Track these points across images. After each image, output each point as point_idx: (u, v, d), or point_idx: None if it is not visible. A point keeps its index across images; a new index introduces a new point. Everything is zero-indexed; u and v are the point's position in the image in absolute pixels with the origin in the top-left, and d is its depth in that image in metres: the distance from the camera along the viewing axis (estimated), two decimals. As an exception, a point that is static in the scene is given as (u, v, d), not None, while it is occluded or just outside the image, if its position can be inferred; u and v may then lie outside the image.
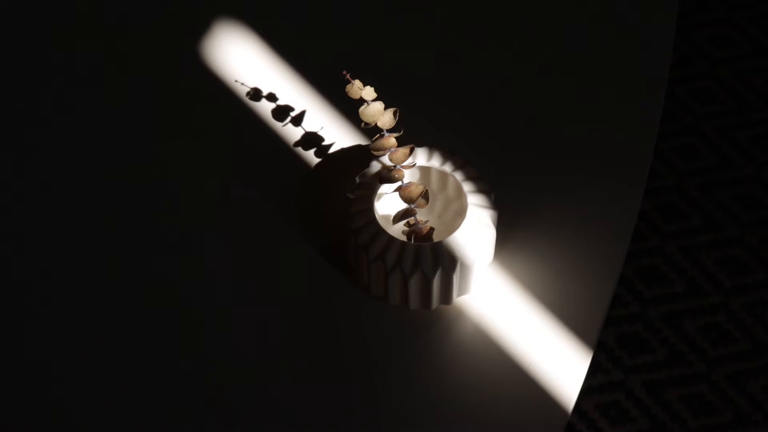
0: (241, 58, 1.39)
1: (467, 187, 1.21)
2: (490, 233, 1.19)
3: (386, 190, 1.22)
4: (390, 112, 1.21)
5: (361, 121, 1.21)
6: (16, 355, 1.19)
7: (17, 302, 1.22)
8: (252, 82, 1.37)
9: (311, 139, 1.33)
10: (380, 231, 1.18)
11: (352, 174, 1.24)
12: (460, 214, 1.23)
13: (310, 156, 1.31)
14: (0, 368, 1.18)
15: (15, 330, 1.21)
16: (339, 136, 1.32)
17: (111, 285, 1.23)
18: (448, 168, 1.22)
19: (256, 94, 1.36)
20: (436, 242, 1.18)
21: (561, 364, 1.18)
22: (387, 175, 1.19)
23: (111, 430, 1.15)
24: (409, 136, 1.23)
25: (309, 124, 1.34)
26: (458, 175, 1.21)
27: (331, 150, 1.32)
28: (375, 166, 1.22)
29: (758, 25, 2.14)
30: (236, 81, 1.37)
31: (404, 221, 1.21)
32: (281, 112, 1.35)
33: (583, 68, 1.38)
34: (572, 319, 1.20)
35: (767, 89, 2.07)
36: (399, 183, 1.20)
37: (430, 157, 1.22)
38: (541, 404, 1.16)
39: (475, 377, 1.18)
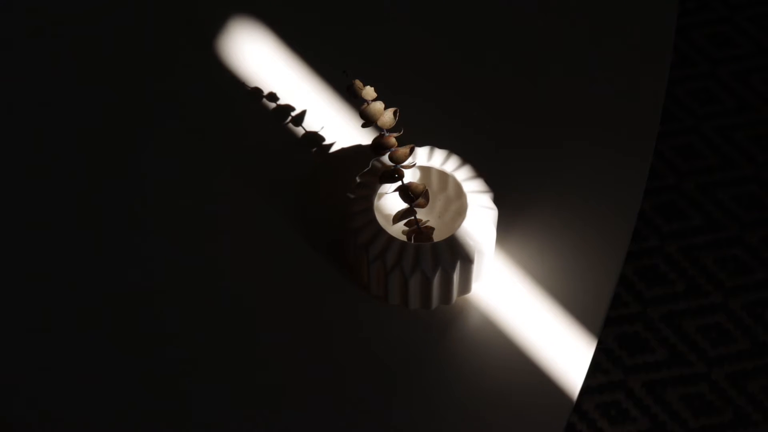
0: (242, 58, 1.39)
1: (467, 187, 1.21)
2: (489, 233, 1.19)
3: (386, 190, 1.22)
4: (390, 111, 1.21)
5: (361, 121, 1.21)
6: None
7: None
8: (252, 82, 1.37)
9: (311, 139, 1.33)
10: (380, 231, 1.18)
11: (352, 174, 1.24)
12: (460, 214, 1.23)
13: (310, 156, 1.31)
14: None
15: None
16: (339, 136, 1.32)
17: (107, 285, 1.23)
18: (448, 168, 1.22)
19: (256, 93, 1.36)
20: (436, 242, 1.18)
21: (563, 362, 1.18)
22: (387, 175, 1.19)
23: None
24: (409, 136, 1.23)
25: (309, 124, 1.34)
26: (458, 175, 1.21)
27: (331, 150, 1.32)
28: (375, 166, 1.22)
29: (758, 25, 2.14)
30: (236, 81, 1.37)
31: (404, 221, 1.21)
32: (281, 112, 1.35)
33: (582, 68, 1.38)
34: (573, 317, 1.20)
35: (767, 89, 2.07)
36: (399, 183, 1.20)
37: (430, 157, 1.22)
38: (546, 394, 1.16)
39: (477, 374, 1.18)
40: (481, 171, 1.22)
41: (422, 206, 1.20)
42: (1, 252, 1.25)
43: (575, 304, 1.21)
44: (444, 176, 1.23)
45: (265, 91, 1.36)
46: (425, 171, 1.23)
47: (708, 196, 1.96)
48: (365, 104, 1.20)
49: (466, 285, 1.20)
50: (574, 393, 1.16)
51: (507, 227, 1.25)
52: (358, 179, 1.22)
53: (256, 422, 1.15)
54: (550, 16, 1.43)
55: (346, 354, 1.19)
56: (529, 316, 1.21)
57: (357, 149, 1.32)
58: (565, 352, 1.19)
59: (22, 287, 1.23)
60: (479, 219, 1.19)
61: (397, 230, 1.23)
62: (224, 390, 1.17)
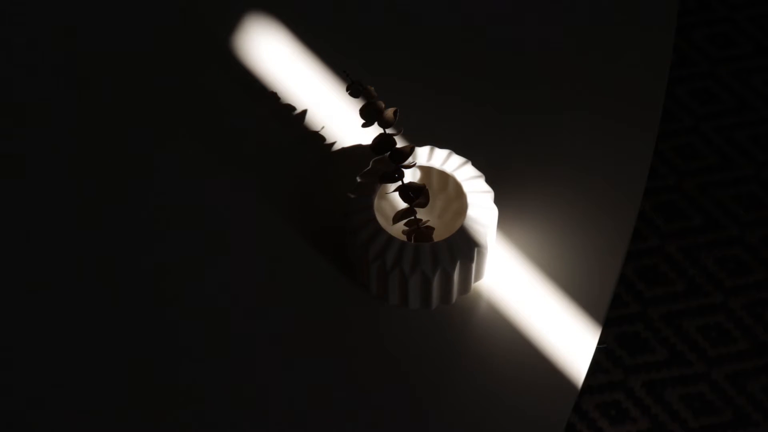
0: (242, 58, 1.39)
1: (467, 187, 1.21)
2: (490, 233, 1.19)
3: (386, 190, 1.22)
4: (390, 111, 1.21)
5: (362, 120, 1.21)
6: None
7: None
8: (253, 82, 1.37)
9: (311, 139, 1.33)
10: (380, 230, 1.18)
11: (352, 174, 1.24)
12: (460, 213, 1.23)
13: (311, 156, 1.31)
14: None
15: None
16: (339, 135, 1.33)
17: (106, 284, 1.23)
18: (448, 168, 1.22)
19: (256, 93, 1.36)
20: (436, 242, 1.18)
21: (564, 361, 1.18)
22: (387, 174, 1.20)
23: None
24: (410, 135, 1.23)
25: (309, 124, 1.34)
26: (458, 175, 1.21)
27: (332, 150, 1.32)
28: (375, 166, 1.22)
29: (758, 25, 2.14)
30: (236, 80, 1.37)
31: (404, 221, 1.21)
32: (282, 112, 1.35)
33: (583, 69, 1.38)
34: (573, 317, 1.21)
35: (767, 89, 2.07)
36: (399, 183, 1.20)
37: (430, 157, 1.22)
38: (547, 390, 1.16)
39: (477, 372, 1.18)
40: (481, 171, 1.22)
41: (422, 206, 1.20)
42: (1, 251, 1.26)
43: (575, 305, 1.21)
44: (444, 176, 1.23)
45: (266, 91, 1.36)
46: (425, 171, 1.23)
47: (708, 196, 1.96)
48: (365, 104, 1.20)
49: (466, 285, 1.20)
50: (576, 389, 1.16)
51: (507, 227, 1.25)
52: (358, 179, 1.22)
53: (255, 421, 1.15)
54: (549, 19, 1.43)
55: (346, 354, 1.19)
56: (530, 315, 1.21)
57: (357, 149, 1.32)
58: (565, 350, 1.19)
59: (22, 287, 1.23)
60: (479, 219, 1.19)
61: (397, 230, 1.23)
62: (223, 390, 1.17)
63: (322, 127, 1.33)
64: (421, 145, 1.24)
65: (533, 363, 1.18)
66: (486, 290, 1.22)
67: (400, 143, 1.21)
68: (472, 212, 1.19)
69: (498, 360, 1.19)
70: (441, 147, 1.24)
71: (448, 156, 1.22)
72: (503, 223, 1.25)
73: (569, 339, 1.19)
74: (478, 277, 1.22)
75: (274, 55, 1.39)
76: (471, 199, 1.20)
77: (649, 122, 1.34)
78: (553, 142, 1.33)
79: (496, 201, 1.22)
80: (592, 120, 1.34)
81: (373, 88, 1.21)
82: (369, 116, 1.20)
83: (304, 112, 1.34)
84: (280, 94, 1.36)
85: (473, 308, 1.21)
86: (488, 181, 1.22)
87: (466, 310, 1.21)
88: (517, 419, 1.15)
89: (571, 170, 1.30)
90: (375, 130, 1.23)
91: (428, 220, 1.23)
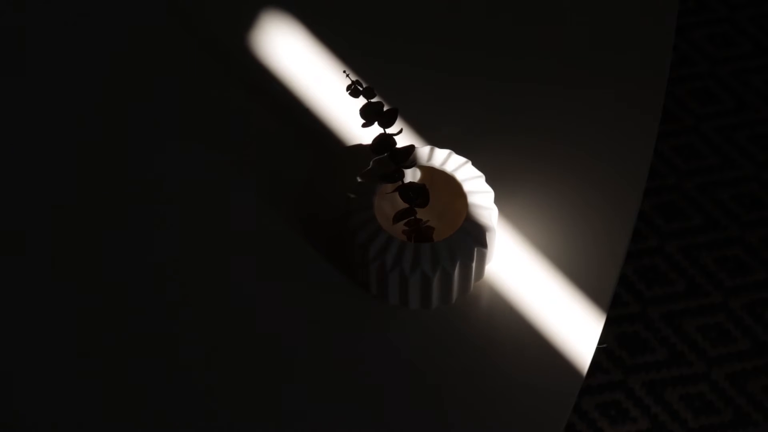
0: (241, 58, 1.39)
1: (467, 187, 1.21)
2: (490, 233, 1.19)
3: (386, 190, 1.22)
4: (390, 111, 1.21)
5: (362, 120, 1.21)
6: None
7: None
8: (252, 82, 1.37)
9: (313, 139, 1.33)
10: (380, 230, 1.18)
11: (352, 174, 1.24)
12: (460, 213, 1.23)
13: (311, 156, 1.31)
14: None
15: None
16: (339, 135, 1.33)
17: (106, 284, 1.23)
18: (448, 168, 1.22)
19: (256, 92, 1.36)
20: (436, 242, 1.18)
21: (564, 361, 1.18)
22: (387, 174, 1.20)
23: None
24: (410, 135, 1.23)
25: (309, 124, 1.34)
26: (458, 175, 1.21)
27: (331, 150, 1.32)
28: (375, 166, 1.22)
29: (758, 25, 2.14)
30: (236, 80, 1.37)
31: (404, 221, 1.21)
32: (282, 111, 1.35)
33: (583, 68, 1.38)
34: (573, 316, 1.21)
35: (767, 89, 2.07)
36: (399, 183, 1.20)
37: (430, 157, 1.22)
38: (547, 392, 1.16)
39: (478, 371, 1.18)
40: (481, 171, 1.22)
41: (422, 206, 1.20)
42: (4, 252, 1.26)
43: (576, 305, 1.21)
44: (444, 176, 1.23)
45: (266, 91, 1.36)
46: (425, 171, 1.23)
47: (708, 196, 1.96)
48: (365, 104, 1.20)
49: (466, 285, 1.20)
50: (576, 387, 1.16)
51: (507, 227, 1.25)
52: (358, 179, 1.22)
53: (256, 422, 1.15)
54: (549, 18, 1.43)
55: (346, 354, 1.19)
56: (530, 313, 1.21)
57: (357, 149, 1.32)
58: (566, 349, 1.19)
59: (28, 290, 1.23)
60: (479, 219, 1.19)
61: (397, 230, 1.23)
62: (222, 390, 1.17)
63: (323, 127, 1.33)
64: (421, 145, 1.24)
65: (533, 362, 1.18)
66: (486, 290, 1.22)
67: (400, 143, 1.21)
68: (472, 212, 1.19)
69: (498, 359, 1.19)
70: (441, 147, 1.24)
71: (448, 156, 1.22)
72: (503, 223, 1.25)
73: (570, 337, 1.19)
74: (478, 276, 1.22)
75: (274, 54, 1.39)
76: (471, 199, 1.20)
77: (649, 122, 1.34)
78: (553, 142, 1.33)
79: (496, 201, 1.22)
80: (592, 120, 1.34)
81: (372, 88, 1.21)
82: (369, 116, 1.20)
83: (305, 111, 1.34)
84: (279, 94, 1.35)
85: (473, 308, 1.21)
86: (488, 181, 1.22)
87: (466, 310, 1.21)
88: (517, 417, 1.15)
89: (570, 170, 1.30)
90: (375, 130, 1.23)
91: (428, 220, 1.23)
